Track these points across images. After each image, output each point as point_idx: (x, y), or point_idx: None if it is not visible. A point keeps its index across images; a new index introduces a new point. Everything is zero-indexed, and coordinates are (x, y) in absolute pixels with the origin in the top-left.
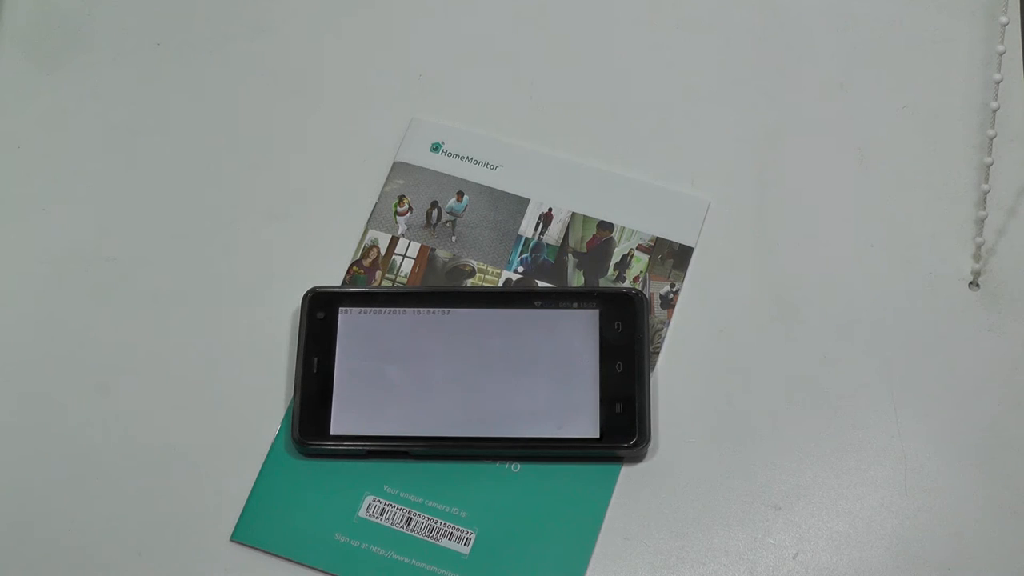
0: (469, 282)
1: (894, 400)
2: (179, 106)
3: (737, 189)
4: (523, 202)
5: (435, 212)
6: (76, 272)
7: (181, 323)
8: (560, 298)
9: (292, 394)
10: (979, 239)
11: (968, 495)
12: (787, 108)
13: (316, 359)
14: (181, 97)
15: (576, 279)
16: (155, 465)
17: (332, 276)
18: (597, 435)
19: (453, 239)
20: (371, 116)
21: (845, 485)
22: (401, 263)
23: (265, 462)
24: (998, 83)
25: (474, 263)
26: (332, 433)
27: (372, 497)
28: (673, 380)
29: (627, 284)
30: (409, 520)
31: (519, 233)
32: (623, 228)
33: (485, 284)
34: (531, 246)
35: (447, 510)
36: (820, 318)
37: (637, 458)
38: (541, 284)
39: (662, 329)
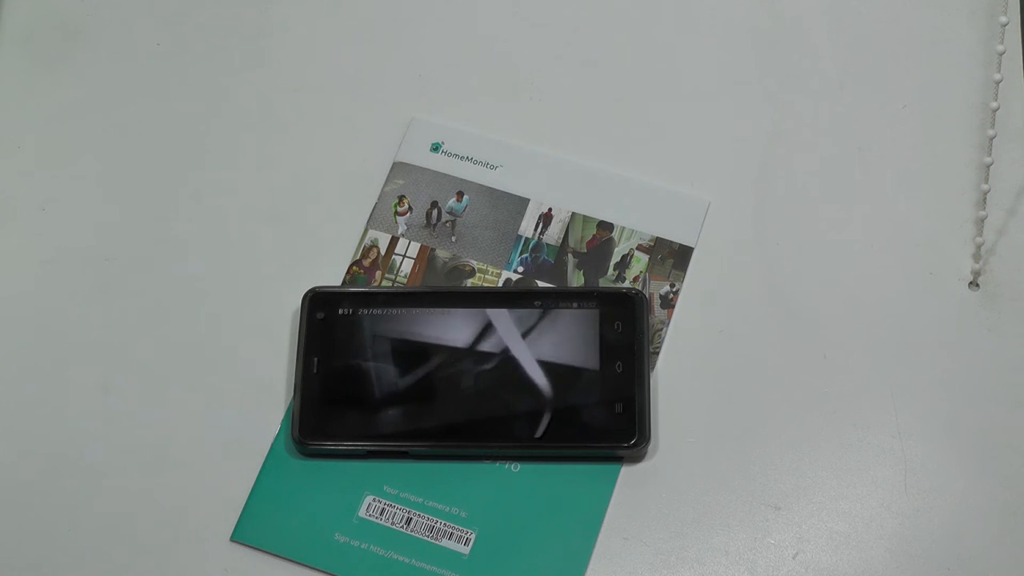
0: (469, 282)
1: (894, 400)
2: (179, 106)
3: (737, 189)
4: (523, 202)
5: (435, 212)
6: (76, 272)
7: (181, 323)
8: (560, 298)
9: (292, 394)
10: (979, 239)
11: (968, 495)
12: (787, 108)
13: (316, 359)
14: (181, 97)
15: (576, 279)
16: (155, 465)
17: (332, 276)
18: (597, 435)
19: (453, 239)
20: (371, 116)
21: (845, 485)
22: (401, 263)
23: (265, 462)
24: (998, 83)
25: (474, 263)
26: (332, 433)
27: (372, 497)
28: (673, 380)
29: (627, 284)
30: (409, 520)
31: (519, 233)
32: (623, 228)
33: (485, 284)
34: (531, 246)
35: (447, 510)
36: (820, 318)
37: (637, 458)
38: (541, 284)
39: (662, 329)
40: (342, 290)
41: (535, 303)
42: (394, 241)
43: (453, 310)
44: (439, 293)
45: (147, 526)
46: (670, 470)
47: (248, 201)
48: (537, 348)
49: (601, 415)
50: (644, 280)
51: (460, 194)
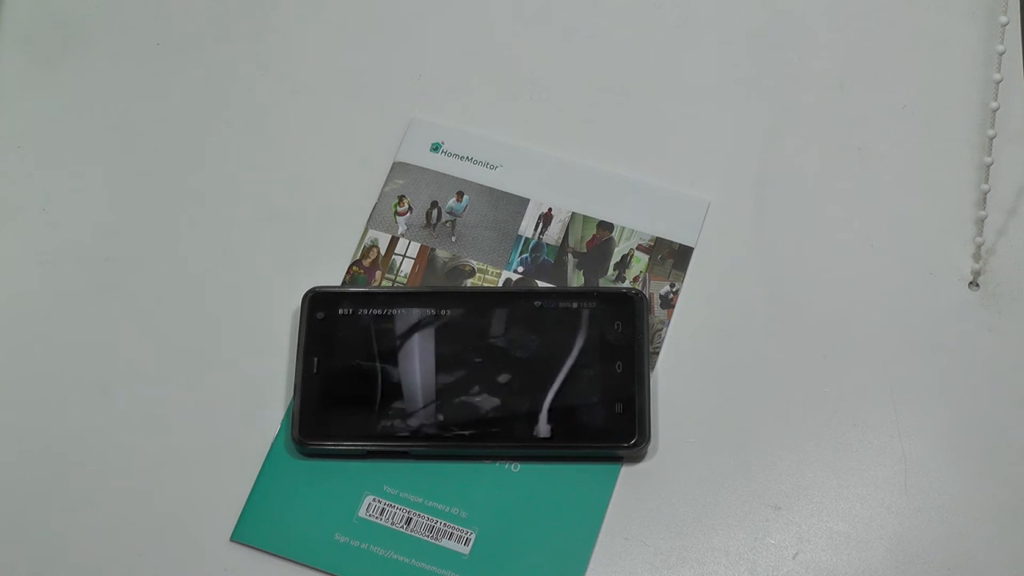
0: (469, 282)
1: (894, 400)
2: (179, 106)
3: (737, 189)
4: (523, 202)
5: (435, 212)
6: (76, 272)
7: (181, 323)
8: (560, 298)
9: (292, 394)
10: (979, 239)
11: (968, 495)
12: (787, 108)
13: (316, 359)
14: (181, 97)
15: (576, 279)
16: (155, 465)
17: (332, 276)
18: (597, 435)
19: (453, 239)
20: (371, 116)
21: (845, 485)
22: (401, 263)
23: (265, 462)
24: (998, 83)
25: (474, 263)
26: (332, 433)
27: (372, 497)
28: (673, 380)
29: (627, 284)
30: (409, 520)
31: (519, 233)
32: (623, 228)
33: (485, 284)
34: (531, 246)
35: (447, 510)
36: (820, 318)
37: (637, 458)
38: (541, 284)
39: (662, 329)
40: (342, 290)
41: (535, 303)
42: (394, 241)
43: (453, 310)
44: (439, 293)
45: (147, 526)
46: (670, 470)
47: (248, 201)
48: (537, 348)
49: (601, 415)
50: (644, 280)
51: (460, 194)
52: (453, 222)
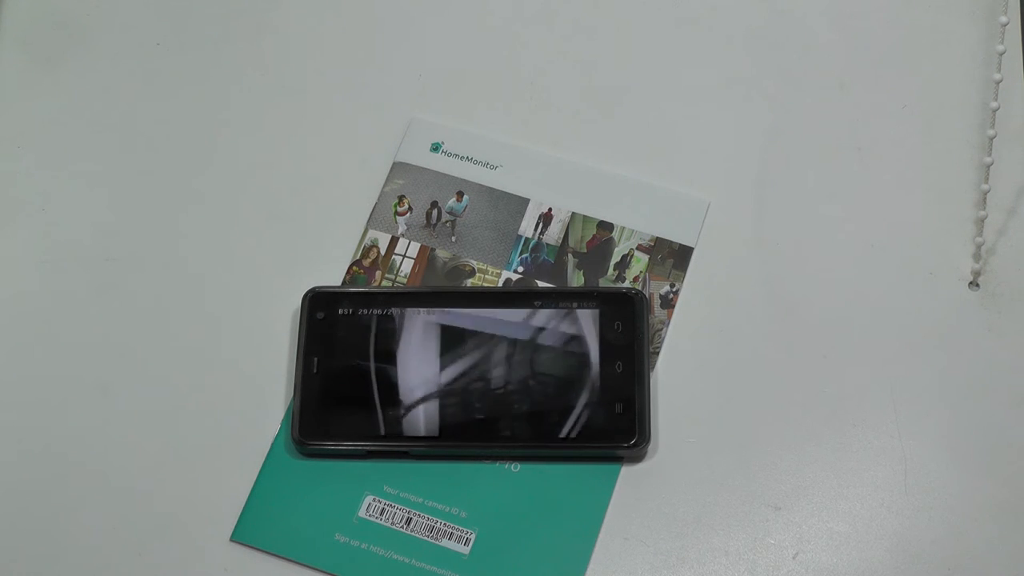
0: (469, 282)
1: (894, 400)
2: (179, 106)
3: (737, 189)
4: (523, 202)
5: (435, 212)
6: (76, 272)
7: (181, 323)
8: (560, 298)
9: (292, 394)
10: (979, 239)
11: (968, 495)
12: (787, 108)
13: (316, 359)
14: (181, 97)
15: (576, 279)
16: (155, 465)
17: (332, 276)
18: (597, 435)
19: (453, 239)
20: (371, 116)
21: (845, 485)
22: (401, 263)
23: (265, 462)
24: (998, 83)
25: (474, 263)
26: (332, 433)
27: (372, 497)
28: (673, 380)
29: (627, 284)
30: (409, 520)
31: (519, 233)
32: (623, 228)
33: (485, 284)
34: (531, 246)
35: (447, 510)
36: (820, 318)
37: (637, 458)
38: (541, 284)
39: (662, 329)
40: (342, 290)
41: (535, 303)
42: (394, 241)
43: (453, 310)
44: (439, 293)
45: (147, 526)
46: (670, 470)
47: (248, 201)
48: (537, 348)
49: (601, 415)
50: (644, 280)
51: (460, 194)
52: (453, 222)
